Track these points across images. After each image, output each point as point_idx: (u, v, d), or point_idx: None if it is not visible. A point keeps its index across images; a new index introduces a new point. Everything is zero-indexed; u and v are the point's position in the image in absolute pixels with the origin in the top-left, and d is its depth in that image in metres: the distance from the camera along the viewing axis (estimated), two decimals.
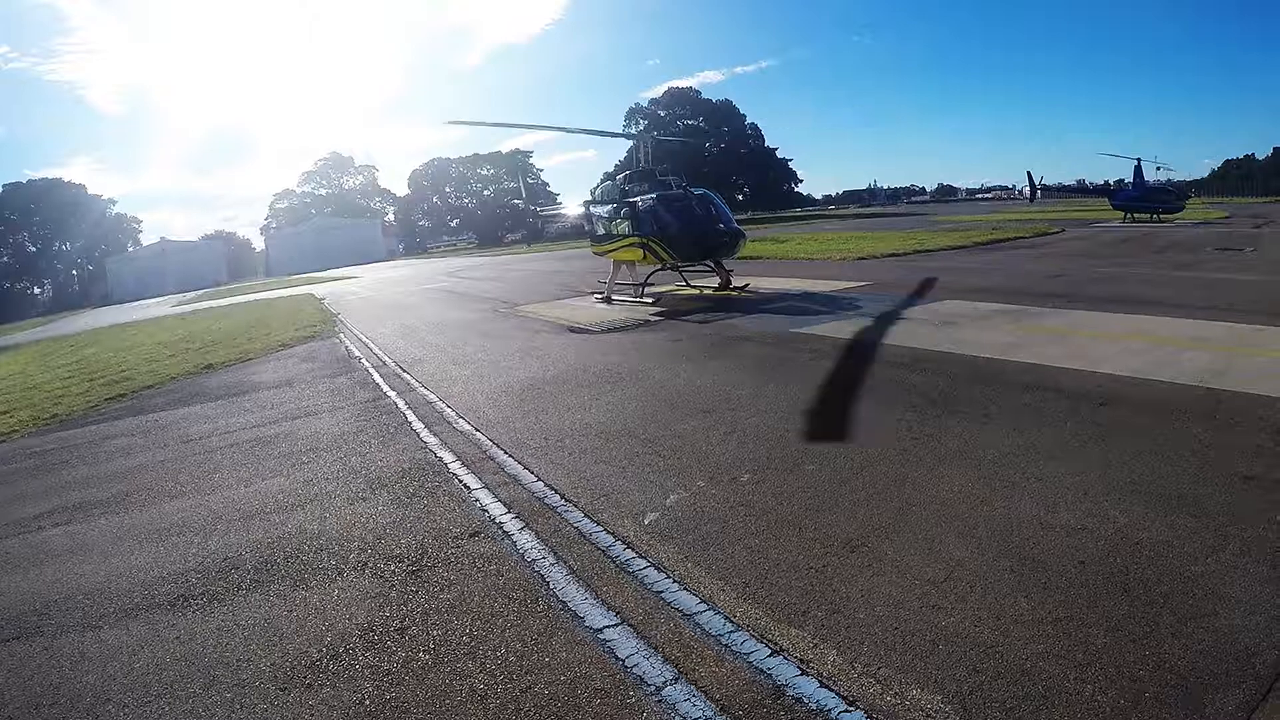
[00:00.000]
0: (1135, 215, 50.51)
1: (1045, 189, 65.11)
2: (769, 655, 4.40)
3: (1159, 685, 3.84)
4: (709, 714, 3.98)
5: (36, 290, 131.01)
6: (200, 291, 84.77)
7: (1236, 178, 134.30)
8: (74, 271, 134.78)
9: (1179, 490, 6.06)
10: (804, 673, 4.22)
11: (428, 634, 5.01)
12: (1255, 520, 5.43)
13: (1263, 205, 75.97)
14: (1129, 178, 52.90)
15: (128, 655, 5.20)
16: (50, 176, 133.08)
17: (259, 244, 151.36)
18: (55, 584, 6.59)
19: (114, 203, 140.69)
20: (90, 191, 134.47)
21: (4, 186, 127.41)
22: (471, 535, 6.56)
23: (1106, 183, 62.37)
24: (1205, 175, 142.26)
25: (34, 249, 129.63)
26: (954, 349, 11.79)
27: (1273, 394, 8.31)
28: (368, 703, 4.34)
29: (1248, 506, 5.68)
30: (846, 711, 3.90)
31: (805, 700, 4.00)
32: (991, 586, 4.89)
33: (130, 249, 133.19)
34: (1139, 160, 51.45)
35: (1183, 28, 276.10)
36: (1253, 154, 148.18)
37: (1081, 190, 74.51)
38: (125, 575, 6.56)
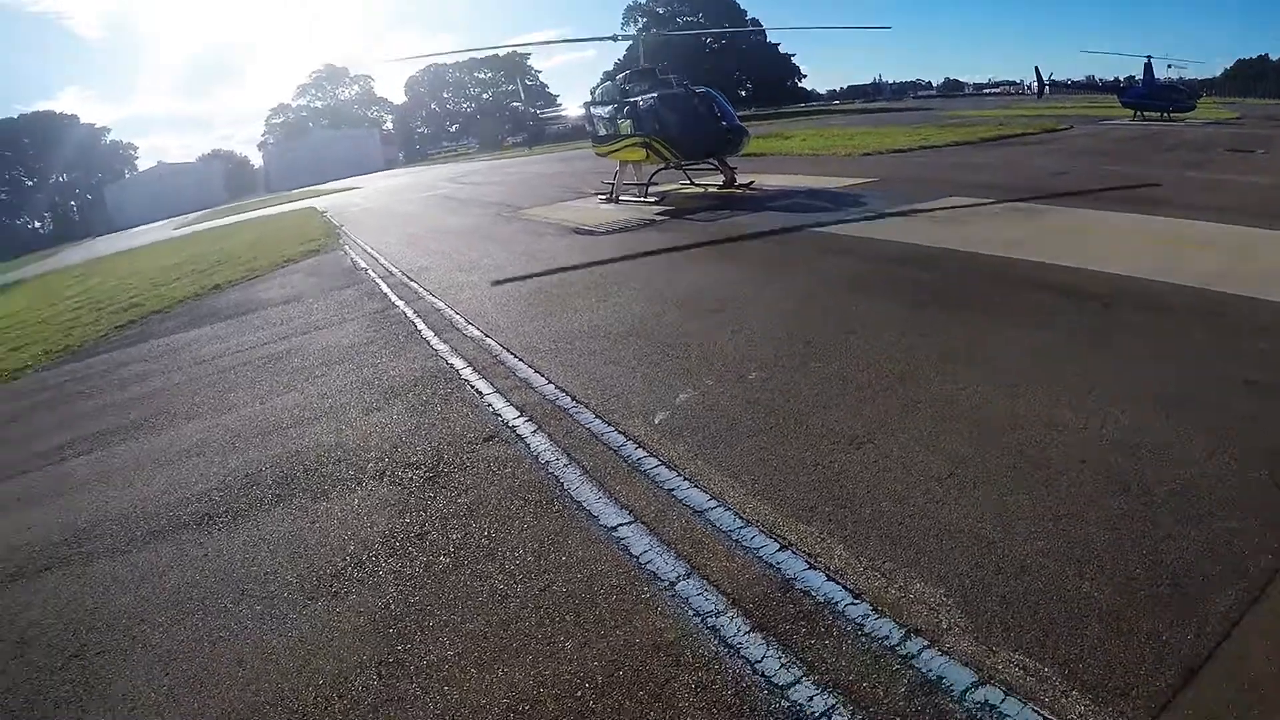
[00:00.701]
0: (1145, 113, 49.41)
1: (1054, 85, 63.64)
2: (777, 550, 4.49)
3: (1154, 584, 3.88)
4: (721, 607, 4.07)
5: (37, 224, 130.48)
6: (201, 212, 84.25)
7: (1249, 77, 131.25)
8: (73, 202, 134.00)
9: (1181, 393, 6.03)
10: (812, 566, 4.30)
11: (447, 538, 5.11)
12: (1255, 425, 5.42)
13: (1276, 106, 74.39)
14: (1139, 74, 51.71)
15: (159, 576, 5.31)
16: (41, 110, 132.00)
17: (257, 161, 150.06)
18: (82, 512, 6.69)
19: (108, 130, 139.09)
20: (83, 121, 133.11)
21: None
22: (486, 440, 6.64)
23: (1116, 79, 61.19)
24: (1218, 74, 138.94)
25: (31, 183, 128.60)
26: (958, 246, 11.67)
27: (1276, 298, 8.22)
28: (393, 607, 4.45)
29: (1248, 411, 5.66)
30: (853, 604, 3.99)
31: (813, 593, 4.09)
32: (994, 483, 4.94)
33: (128, 175, 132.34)
34: (1149, 58, 50.07)
35: None
36: (1266, 54, 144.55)
37: (1091, 87, 72.97)
38: (150, 499, 6.66)
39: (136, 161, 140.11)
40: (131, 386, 10.81)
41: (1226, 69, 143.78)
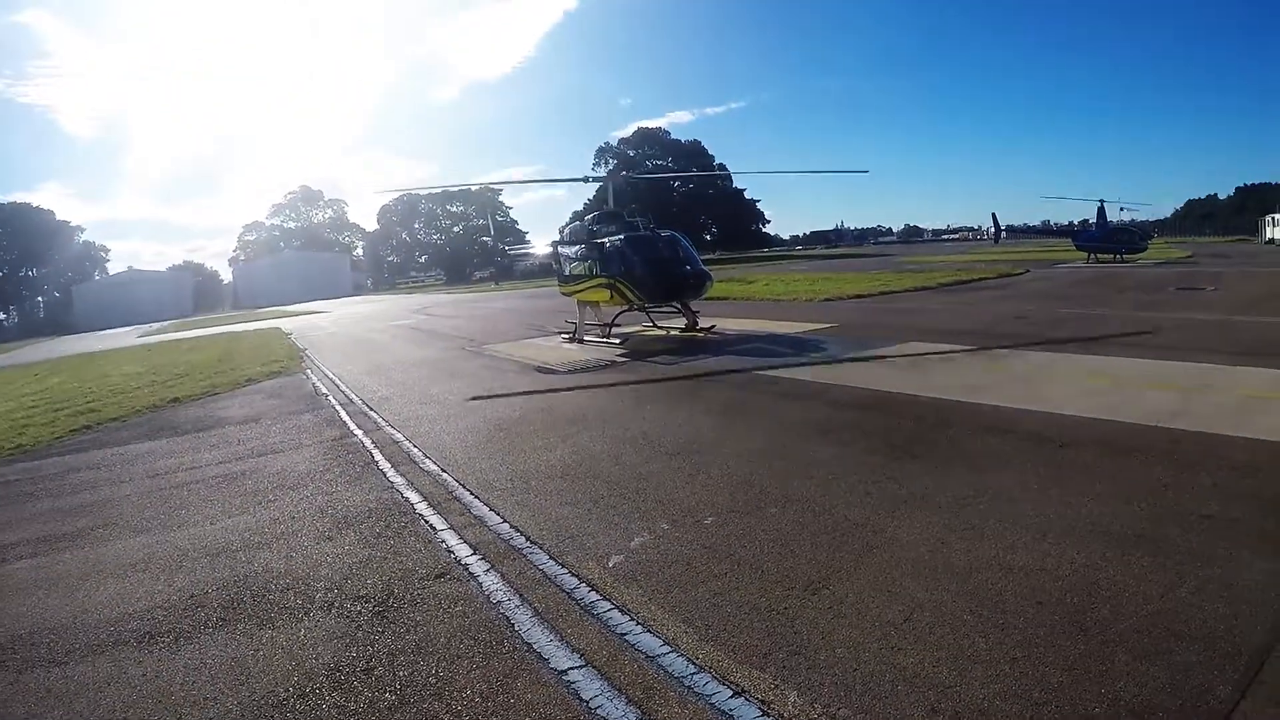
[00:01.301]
0: (1099, 256, 51.30)
1: (1010, 230, 65.97)
2: (731, 696, 4.50)
3: None
4: None
5: (1, 316, 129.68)
6: (167, 322, 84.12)
7: (1199, 217, 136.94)
8: (40, 298, 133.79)
9: (1137, 529, 6.25)
10: (765, 714, 4.32)
11: (394, 674, 5.08)
12: (1212, 558, 5.63)
13: (1225, 244, 77.41)
14: (1093, 219, 53.77)
15: (94, 692, 5.24)
16: (20, 201, 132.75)
17: (227, 275, 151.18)
18: (21, 617, 6.61)
19: (82, 230, 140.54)
20: (59, 218, 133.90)
21: None
22: (438, 576, 6.64)
23: (1070, 223, 63.54)
24: (1168, 215, 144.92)
25: (0, 274, 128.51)
26: (917, 391, 12.01)
27: (1229, 432, 8.61)
28: None
29: (1204, 544, 5.88)
30: None
31: None
32: (950, 627, 5.03)
33: (98, 277, 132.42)
34: (1101, 201, 52.32)
35: (1147, 70, 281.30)
36: (1215, 193, 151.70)
37: (1046, 231, 75.73)
38: (92, 611, 6.59)
39: (107, 264, 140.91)
40: (83, 493, 10.71)
41: (1177, 209, 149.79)
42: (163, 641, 5.91)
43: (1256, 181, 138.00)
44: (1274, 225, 75.41)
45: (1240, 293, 25.06)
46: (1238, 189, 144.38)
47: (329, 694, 4.91)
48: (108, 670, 5.54)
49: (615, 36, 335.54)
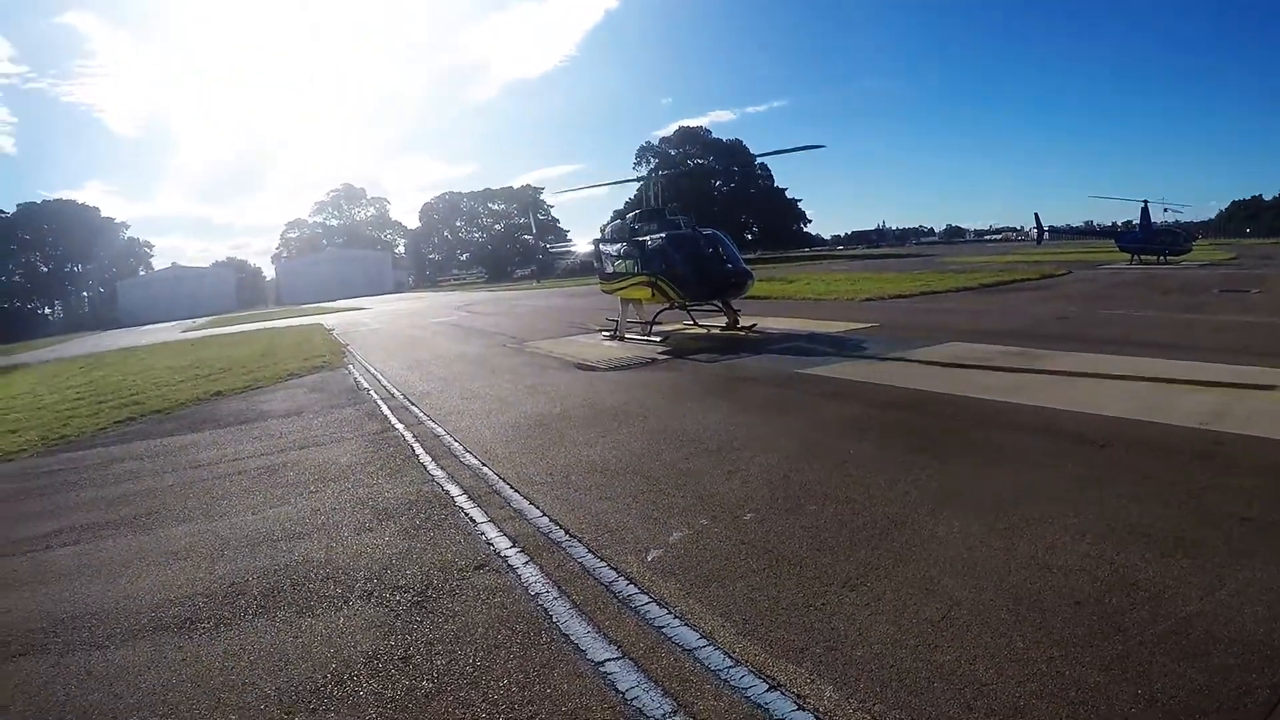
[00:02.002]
0: (1142, 257, 50.84)
1: (1053, 230, 65.48)
2: (767, 690, 4.44)
3: None
4: None
5: (47, 310, 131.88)
6: (210, 318, 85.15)
7: (1243, 218, 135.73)
8: (85, 293, 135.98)
9: (1176, 532, 6.12)
10: (801, 708, 4.26)
11: (431, 663, 5.05)
12: (1252, 561, 5.50)
13: (1270, 246, 76.35)
14: (1137, 219, 53.24)
15: (134, 675, 5.26)
16: (65, 198, 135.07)
17: (270, 272, 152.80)
18: (63, 602, 6.67)
19: (127, 226, 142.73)
20: (104, 215, 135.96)
21: (19, 206, 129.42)
22: (477, 568, 6.62)
23: (1114, 224, 63.01)
24: (1212, 216, 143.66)
25: (46, 269, 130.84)
26: (957, 391, 11.87)
27: (1272, 435, 8.42)
28: None
29: (1245, 548, 5.74)
30: None
31: None
32: (987, 626, 4.95)
33: (142, 273, 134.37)
34: (1145, 202, 51.83)
35: (1192, 68, 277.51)
36: (1260, 195, 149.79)
37: (1089, 232, 75.16)
38: (132, 597, 6.63)
39: (152, 260, 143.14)
40: (125, 483, 10.81)
41: (1221, 211, 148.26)
42: (203, 628, 5.92)
43: None
44: None
45: None
46: None
47: (367, 681, 4.89)
48: (148, 654, 5.56)
49: (657, 35, 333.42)
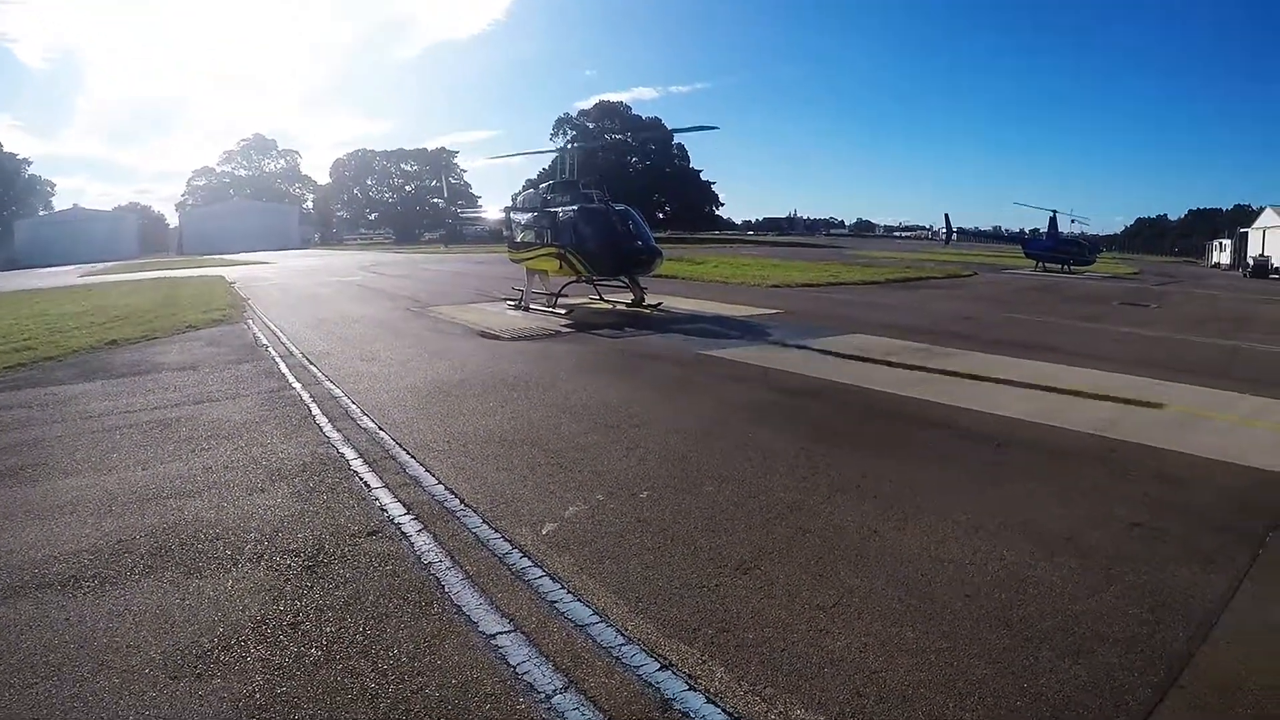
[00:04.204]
0: (1047, 265, 52.35)
1: (961, 232, 67.14)
2: (658, 669, 4.55)
3: (1033, 717, 4.10)
4: None
5: None
6: (110, 264, 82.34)
7: (1149, 235, 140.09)
8: None
9: (1068, 532, 6.43)
10: (692, 688, 4.37)
11: (321, 630, 5.06)
12: (1139, 565, 5.82)
13: (1172, 264, 79.14)
14: (1044, 228, 54.70)
15: (15, 634, 5.14)
16: None
17: (173, 220, 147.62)
18: None
19: (29, 163, 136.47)
20: (5, 149, 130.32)
21: None
22: (370, 534, 6.62)
23: (1021, 231, 64.72)
24: (1119, 231, 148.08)
25: None
26: (860, 383, 12.21)
27: (1162, 445, 8.88)
28: (258, 695, 4.38)
29: (1133, 552, 6.07)
30: None
31: (692, 714, 4.16)
32: (879, 614, 5.14)
33: (42, 213, 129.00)
34: (1054, 212, 53.55)
35: (1110, 85, 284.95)
36: (1166, 214, 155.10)
37: (997, 236, 77.06)
38: (15, 552, 6.46)
39: (53, 200, 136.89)
40: (11, 432, 10.46)
41: (1128, 226, 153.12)
42: (87, 586, 5.82)
43: (1208, 206, 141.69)
44: (1220, 250, 77.68)
45: (1184, 312, 25.83)
46: (1190, 211, 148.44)
47: (254, 647, 4.89)
48: (29, 613, 5.45)
49: (587, 4, 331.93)
